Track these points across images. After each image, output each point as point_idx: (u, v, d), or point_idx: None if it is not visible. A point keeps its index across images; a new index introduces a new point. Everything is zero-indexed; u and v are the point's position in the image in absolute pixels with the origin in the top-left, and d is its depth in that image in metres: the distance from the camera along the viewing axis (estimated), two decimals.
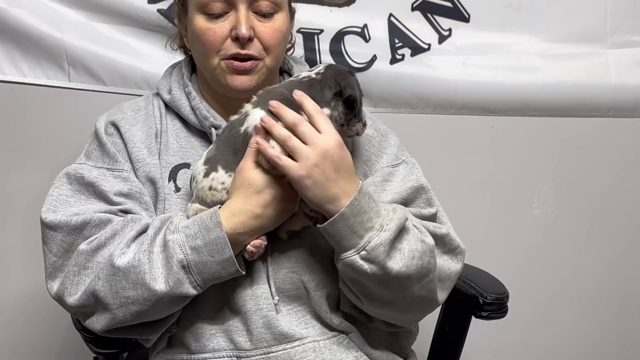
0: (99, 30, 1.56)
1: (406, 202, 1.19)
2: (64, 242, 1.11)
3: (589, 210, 1.78)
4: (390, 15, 1.64)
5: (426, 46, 1.63)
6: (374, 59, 1.64)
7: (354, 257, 1.03)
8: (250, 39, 1.15)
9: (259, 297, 1.10)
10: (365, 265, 1.02)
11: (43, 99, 1.60)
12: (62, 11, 1.55)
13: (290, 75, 1.26)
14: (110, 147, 1.20)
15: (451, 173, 1.73)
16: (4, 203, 1.65)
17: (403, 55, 1.64)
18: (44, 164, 1.63)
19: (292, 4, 1.26)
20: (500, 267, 1.41)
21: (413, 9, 1.64)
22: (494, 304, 1.28)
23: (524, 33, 1.67)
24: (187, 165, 1.22)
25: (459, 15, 1.64)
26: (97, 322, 1.09)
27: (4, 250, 1.66)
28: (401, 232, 1.05)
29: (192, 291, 1.05)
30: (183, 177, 1.21)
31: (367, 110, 1.22)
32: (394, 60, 1.64)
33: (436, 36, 1.64)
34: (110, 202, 1.16)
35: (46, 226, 1.13)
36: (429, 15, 1.62)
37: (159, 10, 1.53)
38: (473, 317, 1.30)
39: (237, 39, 1.15)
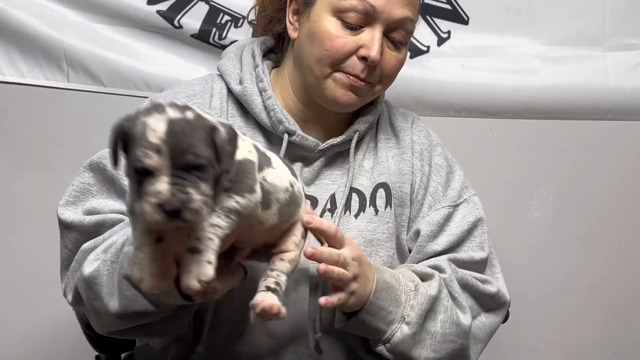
0: (98, 31, 1.55)
1: (460, 242, 1.14)
2: (78, 241, 1.06)
3: (587, 213, 1.78)
4: None
5: (425, 48, 1.62)
6: None
7: (380, 348, 1.02)
8: (377, 64, 1.08)
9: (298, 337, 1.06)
10: (392, 356, 1.01)
11: (42, 99, 1.60)
12: (62, 12, 1.54)
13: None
14: None
15: None
16: (3, 204, 1.65)
17: None
18: (43, 164, 1.63)
19: None
20: None
21: None
22: None
23: (523, 36, 1.67)
24: None
25: (458, 17, 1.64)
26: (92, 324, 1.06)
27: (4, 250, 1.66)
28: (430, 312, 1.03)
29: (150, 308, 0.94)
30: None
31: (433, 132, 1.23)
32: None
33: (435, 38, 1.63)
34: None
35: (61, 223, 1.08)
36: (428, 17, 1.62)
37: (158, 12, 1.53)
38: None
39: (364, 59, 1.07)
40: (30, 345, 1.67)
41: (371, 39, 1.06)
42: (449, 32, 1.64)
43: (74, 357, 1.62)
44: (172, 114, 0.75)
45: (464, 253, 1.13)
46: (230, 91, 1.15)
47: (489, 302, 1.13)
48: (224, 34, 1.55)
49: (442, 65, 1.65)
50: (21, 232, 1.64)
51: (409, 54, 1.61)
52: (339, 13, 1.06)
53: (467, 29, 1.65)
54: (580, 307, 1.84)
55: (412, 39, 1.58)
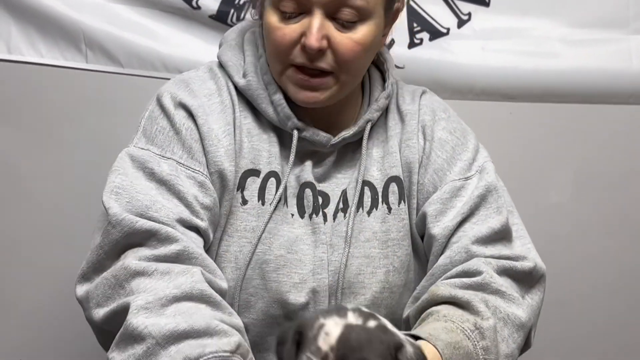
0: (116, 12, 1.56)
1: (473, 211, 1.08)
2: (119, 244, 0.97)
3: (607, 198, 1.78)
4: None
5: (445, 30, 1.62)
6: (392, 43, 1.60)
7: None
8: (321, 51, 1.01)
9: None
10: None
11: (60, 80, 1.61)
12: None
13: (383, 75, 1.15)
14: (185, 134, 1.04)
15: None
16: (20, 184, 1.66)
17: (421, 40, 1.63)
18: (60, 145, 1.64)
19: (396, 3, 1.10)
20: None
21: None
22: None
23: (545, 18, 1.65)
24: (256, 173, 1.08)
25: None
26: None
27: (19, 230, 1.67)
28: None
29: None
30: (251, 186, 1.08)
31: (440, 103, 1.17)
32: (412, 45, 1.63)
33: (455, 20, 1.62)
34: (189, 206, 1.00)
35: (108, 219, 0.98)
36: None
37: None
38: None
39: (304, 49, 1.01)
40: (45, 340, 1.69)
41: (308, 26, 1.00)
42: (469, 14, 1.63)
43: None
44: (353, 319, 0.70)
45: (481, 225, 1.07)
46: (234, 84, 1.11)
47: (529, 280, 1.08)
48: (242, 15, 1.55)
49: (461, 48, 1.64)
50: (37, 213, 1.66)
51: (427, 36, 1.65)
52: (277, 4, 1.02)
53: (488, 11, 1.64)
54: (600, 292, 1.84)
55: (432, 21, 1.61)
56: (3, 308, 1.68)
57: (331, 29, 1.00)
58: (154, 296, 0.88)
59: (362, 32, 1.02)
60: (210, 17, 1.54)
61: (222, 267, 1.04)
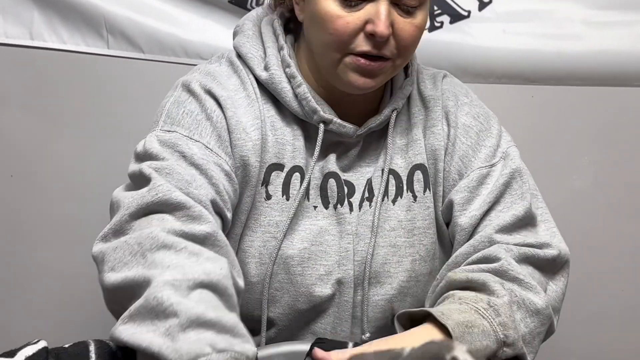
0: None
1: (498, 198, 1.08)
2: (147, 209, 0.93)
3: (629, 182, 1.77)
4: None
5: (466, 13, 1.61)
6: None
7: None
8: (387, 38, 0.99)
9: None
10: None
11: (82, 65, 1.62)
12: None
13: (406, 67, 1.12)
14: (216, 120, 1.02)
15: None
16: (42, 170, 1.68)
17: (442, 23, 1.62)
18: (82, 130, 1.65)
19: None
20: None
21: None
22: None
23: (567, 0, 1.63)
24: (280, 167, 1.07)
25: None
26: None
27: (44, 216, 1.69)
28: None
29: None
30: (275, 181, 1.07)
31: (462, 87, 1.15)
32: (432, 28, 1.61)
33: (476, 3, 1.61)
34: (219, 193, 0.98)
35: (145, 185, 0.95)
36: None
37: None
38: None
39: (373, 36, 0.99)
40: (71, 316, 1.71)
41: (376, 12, 0.97)
42: None
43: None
44: None
45: (506, 213, 1.06)
46: (256, 77, 1.08)
47: (552, 267, 1.07)
48: (262, 0, 1.55)
49: (483, 31, 1.62)
50: (60, 198, 1.67)
51: (448, 19, 1.63)
52: None
53: None
54: (622, 276, 1.84)
55: (452, 4, 1.65)
56: (28, 290, 1.71)
57: (394, 15, 0.99)
58: (182, 275, 0.85)
59: (421, 17, 1.01)
60: (230, 2, 1.54)
61: (245, 262, 1.04)
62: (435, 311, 0.91)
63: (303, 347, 0.97)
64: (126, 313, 0.82)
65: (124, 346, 0.84)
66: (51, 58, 1.60)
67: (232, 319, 0.83)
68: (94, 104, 1.63)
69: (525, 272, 1.00)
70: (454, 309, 0.92)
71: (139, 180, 0.95)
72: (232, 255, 0.95)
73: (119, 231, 0.92)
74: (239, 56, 1.09)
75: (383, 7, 0.96)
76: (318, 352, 0.91)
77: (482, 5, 1.61)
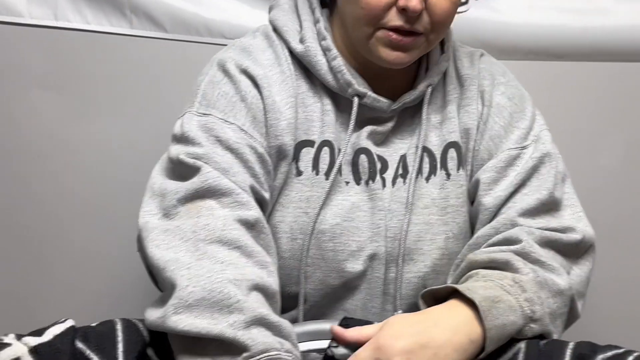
0: None
1: (525, 181, 1.09)
2: (196, 194, 0.98)
3: None
4: None
5: None
6: None
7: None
8: (419, 13, 1.00)
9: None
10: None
11: (106, 46, 1.64)
12: None
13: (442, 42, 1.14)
14: (251, 102, 1.05)
15: None
16: (66, 150, 1.70)
17: None
18: (106, 111, 1.67)
19: None
20: None
21: None
22: None
23: None
24: (310, 143, 1.09)
25: None
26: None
27: (70, 195, 1.71)
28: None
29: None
30: (305, 157, 1.08)
31: (499, 67, 1.17)
32: (461, 4, 1.60)
33: None
34: (255, 176, 1.02)
35: (179, 164, 1.01)
36: None
37: None
38: None
39: (405, 11, 1.00)
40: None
41: None
42: None
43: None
44: None
45: (530, 196, 1.07)
46: (290, 50, 1.10)
47: (575, 251, 1.08)
48: None
49: (508, 6, 1.61)
50: (84, 179, 1.69)
51: None
52: None
53: None
54: None
55: None
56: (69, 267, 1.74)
57: None
58: (242, 276, 0.89)
59: None
60: None
61: (276, 238, 1.06)
62: (461, 287, 0.92)
63: (328, 325, 1.01)
64: (180, 303, 0.87)
65: (157, 330, 0.90)
66: (75, 38, 1.61)
67: (289, 325, 0.90)
68: (119, 84, 1.65)
69: (548, 255, 1.01)
70: (479, 286, 0.94)
71: (181, 167, 0.99)
72: (273, 243, 1.01)
73: (167, 214, 0.96)
74: (275, 30, 1.10)
75: None
76: (336, 329, 0.95)
77: None
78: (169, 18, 1.58)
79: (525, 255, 1.00)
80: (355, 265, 1.07)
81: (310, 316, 1.08)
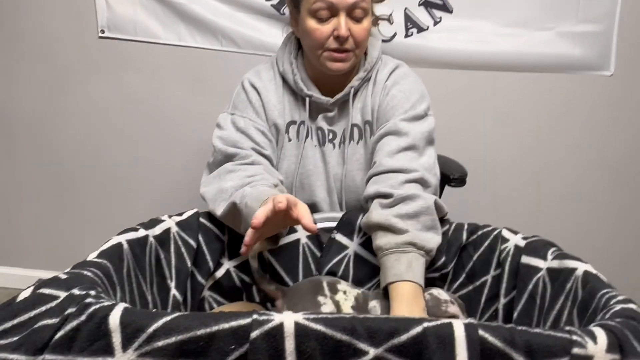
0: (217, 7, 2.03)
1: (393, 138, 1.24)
2: (221, 162, 1.24)
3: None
4: (406, 8, 2.06)
5: (426, 27, 2.05)
6: (395, 35, 2.06)
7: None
8: (347, 38, 1.23)
9: None
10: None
11: (203, 56, 2.10)
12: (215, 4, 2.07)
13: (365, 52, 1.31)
14: (256, 102, 1.29)
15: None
16: (167, 122, 2.17)
17: (412, 33, 2.06)
18: (208, 95, 2.13)
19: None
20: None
21: (419, 5, 2.07)
22: (459, 179, 1.64)
23: (482, 19, 2.04)
24: (294, 123, 1.33)
25: (446, 8, 2.05)
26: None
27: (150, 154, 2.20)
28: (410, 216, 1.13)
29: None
30: (292, 131, 1.33)
31: (404, 73, 1.34)
32: (406, 36, 2.06)
33: (432, 21, 2.06)
34: (257, 143, 1.26)
35: (216, 151, 1.26)
36: (428, 8, 2.04)
37: (272, 5, 2.08)
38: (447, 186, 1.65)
39: (338, 38, 1.22)
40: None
41: (339, 23, 1.21)
42: (440, 18, 2.06)
43: None
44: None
45: (391, 145, 1.24)
46: (279, 71, 1.32)
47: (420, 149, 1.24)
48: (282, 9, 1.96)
49: (435, 38, 2.06)
50: (178, 147, 2.21)
51: (415, 30, 2.03)
52: (314, 14, 1.22)
53: (452, 16, 2.06)
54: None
55: (417, 21, 2.03)
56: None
57: (350, 23, 1.24)
58: (234, 182, 1.18)
59: (366, 22, 1.25)
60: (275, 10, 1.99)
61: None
62: (392, 278, 1.11)
63: (339, 215, 1.28)
64: (211, 199, 1.24)
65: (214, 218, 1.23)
66: (189, 52, 2.14)
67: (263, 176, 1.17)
68: (212, 78, 2.14)
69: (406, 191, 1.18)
70: (393, 266, 1.11)
71: (214, 148, 1.30)
72: (270, 167, 1.26)
73: (209, 175, 1.28)
74: (276, 60, 1.37)
75: (342, 19, 1.21)
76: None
77: (435, 23, 2.07)
78: (242, 39, 2.09)
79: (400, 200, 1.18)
80: (320, 194, 1.36)
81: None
